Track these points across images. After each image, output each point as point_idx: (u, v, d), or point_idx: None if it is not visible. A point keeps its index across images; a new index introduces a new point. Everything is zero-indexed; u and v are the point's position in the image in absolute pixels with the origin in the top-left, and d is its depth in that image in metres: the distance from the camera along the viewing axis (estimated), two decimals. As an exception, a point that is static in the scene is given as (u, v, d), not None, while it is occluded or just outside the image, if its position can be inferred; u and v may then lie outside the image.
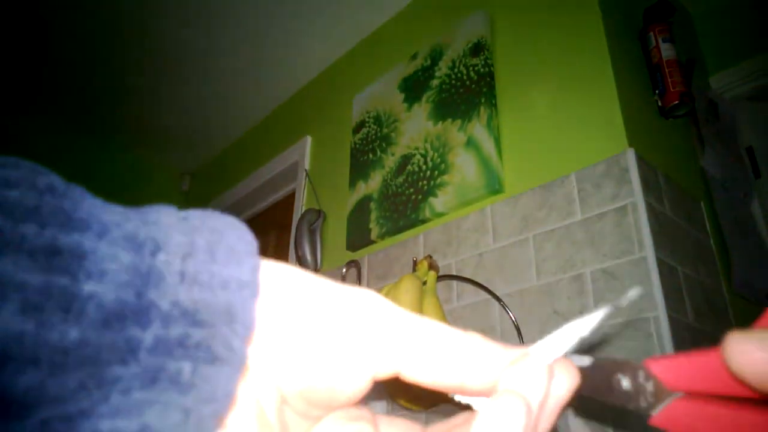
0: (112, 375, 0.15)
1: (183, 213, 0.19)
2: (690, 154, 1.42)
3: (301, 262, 1.82)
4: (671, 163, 1.27)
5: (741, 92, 1.68)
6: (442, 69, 1.58)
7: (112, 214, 0.17)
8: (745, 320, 1.28)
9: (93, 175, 2.74)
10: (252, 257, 0.19)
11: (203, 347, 0.16)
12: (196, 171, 3.03)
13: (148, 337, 0.16)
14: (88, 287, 0.15)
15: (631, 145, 1.10)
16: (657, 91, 1.31)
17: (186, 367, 0.16)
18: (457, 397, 0.22)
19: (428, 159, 1.50)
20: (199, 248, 0.17)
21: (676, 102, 1.27)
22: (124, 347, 0.15)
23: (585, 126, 1.20)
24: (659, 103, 1.30)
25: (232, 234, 0.19)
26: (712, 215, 1.35)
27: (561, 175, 1.19)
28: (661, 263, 1.00)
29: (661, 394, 0.20)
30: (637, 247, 1.01)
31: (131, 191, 2.85)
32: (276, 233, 2.41)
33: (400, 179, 1.57)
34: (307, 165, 2.11)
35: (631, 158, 1.08)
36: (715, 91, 1.68)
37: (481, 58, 1.46)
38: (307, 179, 2.07)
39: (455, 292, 1.31)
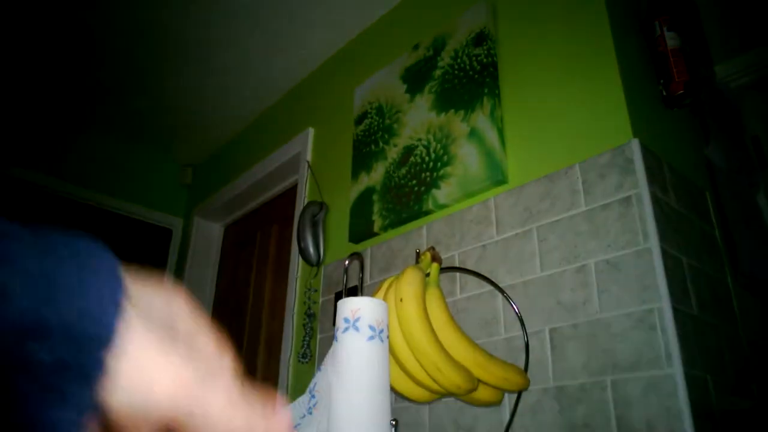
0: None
1: (46, 242, 0.20)
2: (695, 144, 1.41)
3: (303, 254, 1.81)
4: (676, 154, 1.26)
5: (747, 82, 1.66)
6: (445, 59, 1.56)
7: None
8: (750, 311, 1.27)
9: (96, 169, 2.73)
10: (115, 281, 0.21)
11: (81, 364, 0.19)
12: (198, 164, 3.02)
13: (45, 355, 0.18)
14: None
15: (635, 135, 1.09)
16: (662, 81, 1.29)
17: (74, 385, 0.18)
18: None
19: (431, 150, 1.49)
20: (60, 281, 0.19)
21: (681, 91, 1.26)
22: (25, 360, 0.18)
23: (589, 116, 1.19)
24: (664, 93, 1.29)
25: (96, 261, 0.21)
26: (717, 206, 1.34)
27: (565, 166, 1.18)
28: (665, 254, 0.99)
29: None
30: (641, 237, 1.01)
31: (134, 184, 2.85)
32: (278, 225, 2.41)
33: (403, 171, 1.56)
34: (309, 157, 2.10)
35: (635, 148, 1.07)
36: (721, 80, 1.66)
37: (484, 48, 1.45)
38: (309, 171, 2.06)
39: (458, 283, 1.31)
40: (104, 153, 2.79)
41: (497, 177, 1.30)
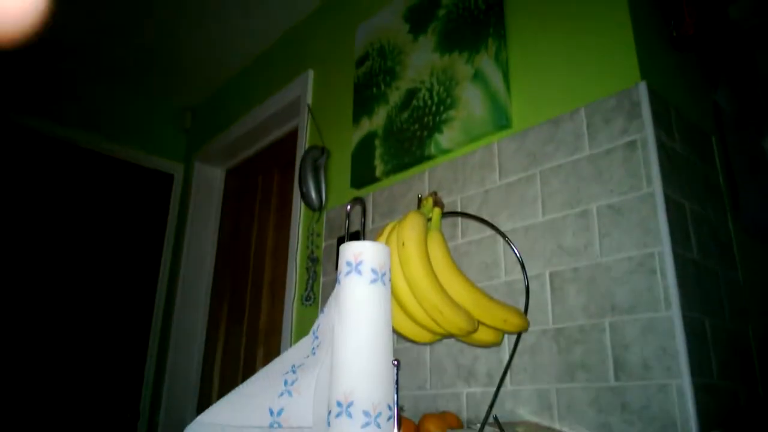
0: None
1: None
2: (703, 88, 1.38)
3: (305, 199, 1.81)
4: (684, 98, 1.23)
5: (761, 22, 1.61)
6: (449, -2, 1.51)
7: None
8: (751, 258, 1.28)
9: (95, 113, 2.70)
10: None
11: None
12: (197, 107, 2.98)
13: None
14: None
15: (643, 78, 1.07)
16: (672, 22, 1.25)
17: None
18: None
19: (434, 93, 1.47)
20: None
21: (692, 33, 1.22)
22: None
23: (597, 59, 1.16)
24: (674, 34, 1.25)
25: None
26: (723, 151, 1.32)
27: (570, 110, 1.16)
28: (668, 199, 0.99)
29: None
30: (645, 182, 1.00)
31: (133, 128, 2.82)
32: (280, 170, 2.40)
33: (405, 114, 1.54)
34: (309, 100, 2.07)
35: (642, 92, 1.05)
36: (735, 21, 1.61)
37: (490, -14, 1.39)
38: (309, 115, 2.03)
39: (460, 228, 1.31)
40: (103, 96, 2.75)
41: (501, 121, 1.28)
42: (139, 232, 2.75)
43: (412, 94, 1.54)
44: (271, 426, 0.80)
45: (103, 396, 2.48)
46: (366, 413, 0.75)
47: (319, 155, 1.83)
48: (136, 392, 2.56)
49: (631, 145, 1.04)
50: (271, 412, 0.81)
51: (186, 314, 2.61)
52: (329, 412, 0.76)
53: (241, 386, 0.85)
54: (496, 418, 0.86)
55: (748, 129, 1.42)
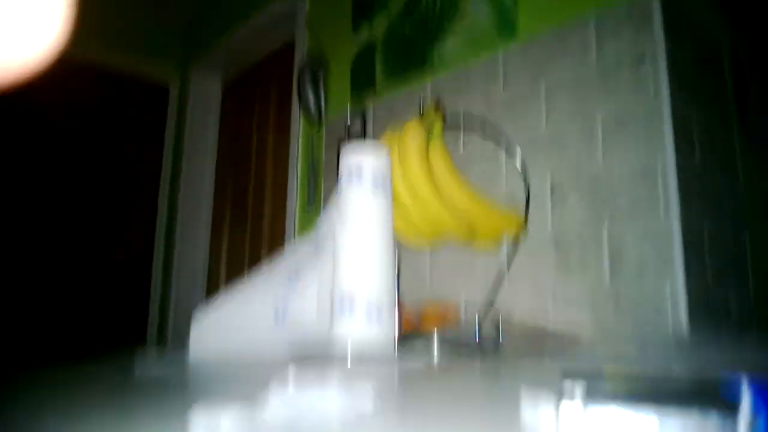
0: None
1: None
2: (718, -2, 1.33)
3: (305, 110, 1.79)
4: (696, 8, 1.19)
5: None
6: None
7: None
8: (754, 174, 1.28)
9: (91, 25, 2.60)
10: None
11: None
12: (192, 18, 2.87)
13: None
14: None
15: (657, -17, 1.03)
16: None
17: None
18: None
19: (437, 0, 1.41)
20: None
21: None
22: None
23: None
24: (694, -63, 1.19)
25: None
26: (734, 65, 1.29)
27: (579, 19, 1.12)
28: (675, 111, 0.98)
29: None
30: (652, 93, 0.99)
31: (130, 41, 2.73)
32: (279, 81, 2.35)
33: (407, 22, 1.49)
34: (306, 8, 2.00)
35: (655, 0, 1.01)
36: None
37: None
38: (307, 24, 1.96)
39: (462, 139, 1.30)
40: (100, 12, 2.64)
41: (506, 30, 1.24)
42: (138, 144, 2.75)
43: (414, 1, 1.48)
44: (276, 322, 0.84)
45: (113, 295, 2.57)
46: (368, 310, 0.78)
47: (317, 66, 1.79)
48: (145, 292, 2.66)
49: (640, 56, 1.01)
50: (276, 309, 0.84)
51: (189, 224, 2.66)
52: (332, 310, 0.79)
53: (246, 285, 0.88)
54: (494, 317, 0.90)
55: (762, 43, 1.39)
